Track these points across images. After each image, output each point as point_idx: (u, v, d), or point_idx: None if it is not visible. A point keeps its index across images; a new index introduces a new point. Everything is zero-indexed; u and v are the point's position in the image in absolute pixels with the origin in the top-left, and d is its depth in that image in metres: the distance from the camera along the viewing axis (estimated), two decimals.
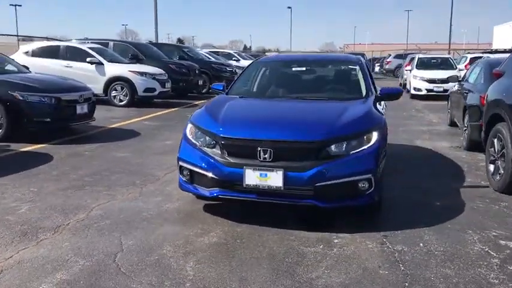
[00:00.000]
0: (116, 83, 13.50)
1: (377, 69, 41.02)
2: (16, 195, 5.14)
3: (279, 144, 4.12)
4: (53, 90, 8.26)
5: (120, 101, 13.49)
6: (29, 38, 23.94)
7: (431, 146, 8.55)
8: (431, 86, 17.18)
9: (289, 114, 4.74)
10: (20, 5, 70.04)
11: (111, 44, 16.44)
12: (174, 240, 3.94)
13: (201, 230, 4.20)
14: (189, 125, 4.72)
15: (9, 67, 9.42)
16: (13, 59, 9.99)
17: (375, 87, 5.73)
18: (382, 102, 6.68)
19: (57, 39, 19.44)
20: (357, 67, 5.75)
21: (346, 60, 6.27)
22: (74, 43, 14.86)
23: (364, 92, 5.35)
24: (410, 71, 18.88)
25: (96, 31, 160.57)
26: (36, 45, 14.62)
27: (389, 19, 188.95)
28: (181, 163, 4.53)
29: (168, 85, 14.23)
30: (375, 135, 4.33)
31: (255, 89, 5.85)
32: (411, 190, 5.60)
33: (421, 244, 3.93)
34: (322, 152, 4.13)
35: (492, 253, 3.78)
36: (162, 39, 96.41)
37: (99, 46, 14.60)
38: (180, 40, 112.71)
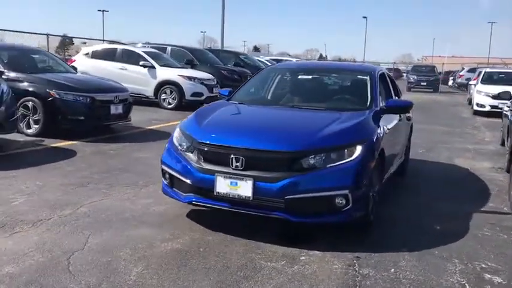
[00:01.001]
0: (165, 86, 13.85)
1: (450, 83, 39.19)
2: (20, 187, 5.36)
3: (251, 152, 3.98)
4: (88, 90, 8.58)
5: (169, 104, 13.81)
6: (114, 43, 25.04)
7: (470, 165, 7.97)
8: (495, 102, 16.03)
9: (273, 123, 4.58)
10: (107, 11, 74.38)
11: (168, 48, 16.92)
12: (137, 243, 3.91)
13: (171, 235, 4.14)
14: (177, 129, 4.69)
15: (56, 66, 9.91)
16: (61, 59, 10.50)
17: (389, 99, 5.43)
18: (405, 116, 6.34)
19: (121, 43, 20.26)
20: (367, 77, 5.45)
21: (357, 70, 5.98)
22: (129, 47, 15.43)
23: (368, 104, 5.06)
24: (475, 85, 17.80)
25: (177, 37, 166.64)
26: (96, 47, 15.34)
27: (471, 32, 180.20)
28: (163, 166, 4.50)
29: (216, 90, 14.38)
30: (358, 149, 4.06)
31: (256, 96, 5.74)
32: (417, 211, 5.22)
33: (392, 270, 3.63)
34: (296, 164, 3.94)
35: (468, 287, 3.41)
36: (237, 47, 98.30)
37: (153, 50, 15.06)
38: (256, 48, 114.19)
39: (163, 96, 13.89)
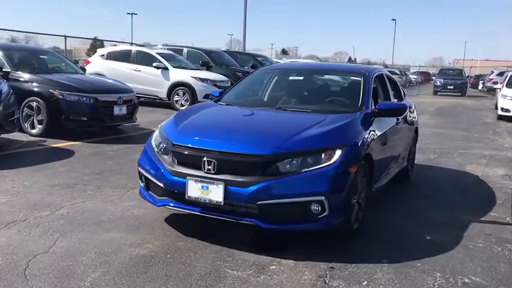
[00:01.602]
0: (178, 88, 13.81)
1: (480, 87, 38.13)
2: (6, 187, 5.32)
3: (223, 156, 3.81)
4: (91, 90, 8.56)
5: (182, 105, 13.75)
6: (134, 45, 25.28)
7: (482, 172, 7.59)
8: None
9: (251, 125, 4.40)
10: (136, 14, 75.35)
11: (185, 50, 16.91)
12: (103, 248, 3.78)
13: (142, 240, 3.99)
14: (156, 131, 4.56)
15: (65, 67, 9.95)
16: (70, 60, 10.54)
17: (384, 101, 5.18)
18: (407, 119, 6.07)
19: (138, 45, 20.42)
20: (361, 79, 5.21)
21: (352, 72, 5.72)
22: (144, 48, 15.47)
23: (358, 106, 4.82)
24: (500, 89, 17.17)
25: (206, 39, 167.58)
26: (111, 49, 15.43)
27: (506, 35, 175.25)
28: (139, 168, 4.38)
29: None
30: (337, 154, 3.84)
31: (245, 97, 5.56)
32: (410, 219, 4.95)
33: (365, 283, 3.39)
34: (270, 168, 3.74)
35: None
36: (266, 50, 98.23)
37: (168, 52, 15.07)
38: (284, 51, 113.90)
39: (176, 97, 13.85)
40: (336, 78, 5.72)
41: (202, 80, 13.73)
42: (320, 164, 3.77)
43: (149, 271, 3.42)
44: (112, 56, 14.75)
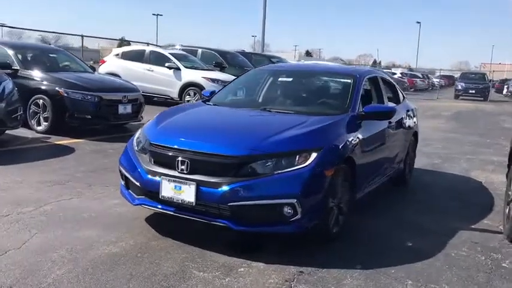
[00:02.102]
0: (189, 88, 13.87)
1: (504, 91, 37.35)
2: None
3: (197, 155, 3.79)
4: (96, 89, 8.66)
5: None
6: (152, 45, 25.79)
7: (487, 179, 7.41)
8: None
9: (230, 126, 4.35)
10: (161, 15, 76.22)
11: (199, 51, 16.99)
12: (76, 245, 3.80)
13: (117, 238, 4.00)
14: (139, 130, 4.58)
15: (74, 66, 10.10)
16: (80, 59, 10.68)
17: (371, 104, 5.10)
18: (403, 123, 5.97)
19: (155, 45, 20.63)
20: (350, 81, 5.13)
21: (343, 73, 5.61)
22: (157, 48, 15.59)
23: (344, 108, 4.74)
24: None
25: (230, 41, 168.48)
26: (125, 48, 15.61)
27: None
28: (119, 167, 4.39)
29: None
30: (312, 156, 3.78)
31: (233, 98, 5.53)
32: (395, 224, 4.86)
33: None
34: (243, 169, 3.71)
35: None
36: (289, 52, 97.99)
37: (181, 52, 15.16)
38: (308, 52, 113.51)
39: (187, 98, 13.91)
40: (326, 80, 5.64)
41: (213, 80, 13.75)
42: (294, 167, 3.72)
43: (115, 269, 3.41)
44: (126, 56, 14.92)
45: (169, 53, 14.48)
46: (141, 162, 4.06)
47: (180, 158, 3.80)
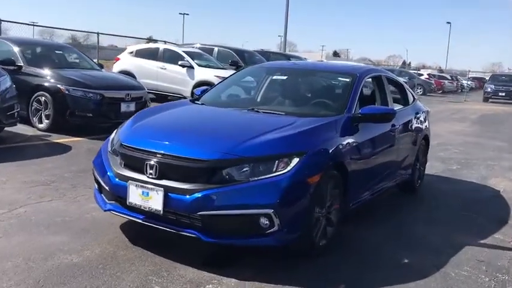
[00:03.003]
0: (202, 86, 13.56)
1: None
2: None
3: (167, 159, 3.46)
4: (98, 86, 8.44)
5: None
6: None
7: (505, 187, 6.89)
8: None
9: (208, 127, 4.00)
10: (188, 14, 76.50)
11: (215, 49, 16.72)
12: (36, 253, 3.51)
13: (82, 246, 3.70)
14: (116, 130, 4.28)
15: (81, 63, 9.94)
16: (87, 57, 10.51)
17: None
18: (417, 123, 5.55)
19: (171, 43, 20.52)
20: (349, 80, 4.72)
21: (341, 72, 5.19)
22: (171, 46, 15.38)
23: (339, 109, 4.34)
24: None
25: (257, 41, 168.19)
26: (140, 46, 15.44)
27: None
28: (93, 169, 4.10)
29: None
30: (294, 162, 3.41)
31: (222, 97, 5.20)
32: (395, 238, 4.44)
33: None
34: (216, 174, 3.36)
35: None
36: (316, 52, 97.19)
37: (196, 50, 14.90)
38: (335, 53, 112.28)
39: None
40: (324, 78, 5.24)
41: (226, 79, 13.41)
42: (272, 173, 3.36)
43: (68, 283, 3.11)
44: (140, 54, 14.73)
45: (183, 51, 14.22)
46: (112, 165, 3.76)
47: (148, 161, 3.48)
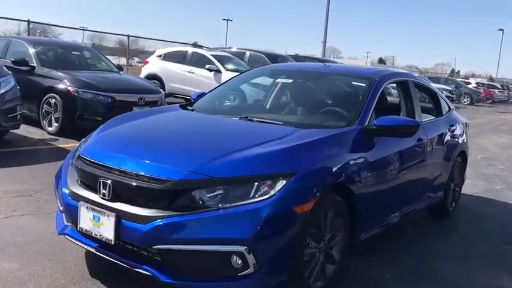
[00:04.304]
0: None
1: None
2: None
3: (123, 177, 2.82)
4: (109, 89, 7.98)
5: None
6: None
7: None
8: None
9: (181, 138, 3.31)
10: (231, 20, 76.64)
11: (247, 53, 16.18)
12: None
13: (30, 276, 3.10)
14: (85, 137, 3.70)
15: (98, 65, 9.57)
16: (106, 58, 10.12)
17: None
18: (451, 137, 4.75)
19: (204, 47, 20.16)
20: (365, 85, 3.96)
21: (357, 75, 4.40)
22: (199, 50, 14.91)
23: (349, 119, 3.59)
24: None
25: (301, 47, 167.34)
26: (168, 49, 15.02)
27: None
28: (54, 184, 3.52)
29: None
30: (280, 184, 2.71)
31: (219, 102, 4.54)
32: (409, 276, 3.64)
33: None
34: (179, 198, 2.70)
35: None
36: (362, 58, 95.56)
37: (225, 54, 14.38)
38: (381, 60, 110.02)
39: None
40: (336, 83, 4.48)
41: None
42: (249, 199, 2.66)
43: None
44: (169, 57, 14.30)
45: (211, 55, 13.70)
46: (68, 181, 3.16)
47: (102, 179, 2.85)
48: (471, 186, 6.73)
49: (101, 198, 2.84)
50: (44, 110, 8.12)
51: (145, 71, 14.35)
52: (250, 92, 4.84)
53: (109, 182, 2.81)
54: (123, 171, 2.82)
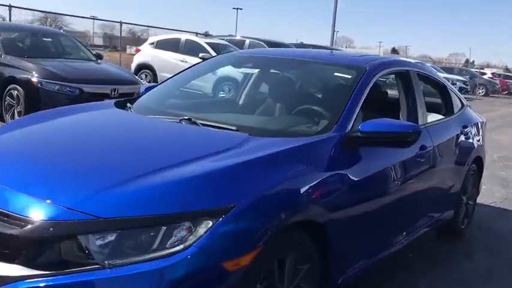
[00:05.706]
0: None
1: None
2: None
3: None
4: (78, 80, 7.10)
5: None
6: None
7: None
8: None
9: (80, 153, 2.34)
10: (241, 9, 75.51)
11: (247, 41, 15.26)
12: None
13: None
14: None
15: (74, 53, 8.67)
16: (83, 45, 9.24)
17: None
18: (470, 136, 3.83)
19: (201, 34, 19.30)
20: (351, 76, 3.00)
21: (342, 64, 3.39)
22: (193, 37, 14.03)
23: (326, 124, 2.66)
24: None
25: (311, 36, 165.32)
26: (161, 37, 14.15)
27: None
28: None
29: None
30: (203, 228, 1.80)
31: (166, 98, 3.57)
32: None
33: None
34: (49, 250, 1.79)
35: None
36: (373, 48, 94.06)
37: (221, 42, 13.50)
38: (394, 50, 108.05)
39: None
40: (316, 74, 3.50)
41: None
42: (151, 252, 1.75)
43: None
44: (161, 45, 13.45)
45: (206, 42, 12.79)
46: None
47: None
48: (487, 193, 5.77)
49: None
50: (6, 102, 7.28)
51: (136, 59, 13.54)
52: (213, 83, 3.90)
53: None
54: None
